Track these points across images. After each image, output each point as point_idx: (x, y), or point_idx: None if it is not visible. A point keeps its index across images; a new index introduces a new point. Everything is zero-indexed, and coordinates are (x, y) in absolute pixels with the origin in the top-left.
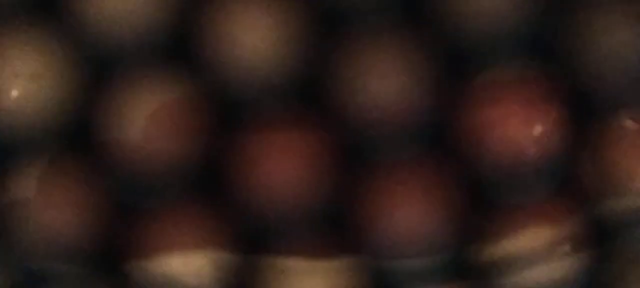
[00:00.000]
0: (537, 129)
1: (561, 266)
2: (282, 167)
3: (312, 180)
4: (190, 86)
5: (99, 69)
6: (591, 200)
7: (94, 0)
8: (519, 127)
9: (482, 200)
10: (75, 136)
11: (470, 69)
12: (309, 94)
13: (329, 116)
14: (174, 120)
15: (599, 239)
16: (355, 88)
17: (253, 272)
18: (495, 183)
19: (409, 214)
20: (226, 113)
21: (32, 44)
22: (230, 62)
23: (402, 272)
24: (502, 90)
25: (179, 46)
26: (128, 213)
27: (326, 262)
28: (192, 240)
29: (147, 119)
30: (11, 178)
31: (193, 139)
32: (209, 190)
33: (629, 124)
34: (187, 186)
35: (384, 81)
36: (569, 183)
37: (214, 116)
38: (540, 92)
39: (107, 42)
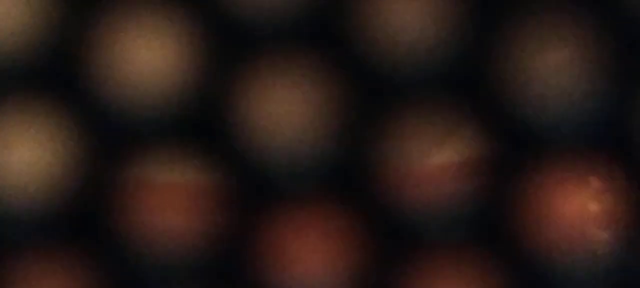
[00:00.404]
0: (459, 167)
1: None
2: (166, 216)
3: (200, 228)
4: (69, 117)
5: None
6: (522, 247)
7: None
8: (440, 165)
9: (401, 242)
10: None
11: (386, 99)
12: (202, 126)
13: (223, 154)
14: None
15: None
16: (259, 117)
17: None
18: (415, 225)
19: (312, 258)
20: (109, 147)
21: None
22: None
23: None
24: (420, 124)
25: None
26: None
27: None
28: None
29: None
30: None
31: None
32: (86, 237)
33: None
34: (61, 232)
35: (289, 109)
36: (498, 229)
37: (94, 151)
38: (461, 125)
39: None
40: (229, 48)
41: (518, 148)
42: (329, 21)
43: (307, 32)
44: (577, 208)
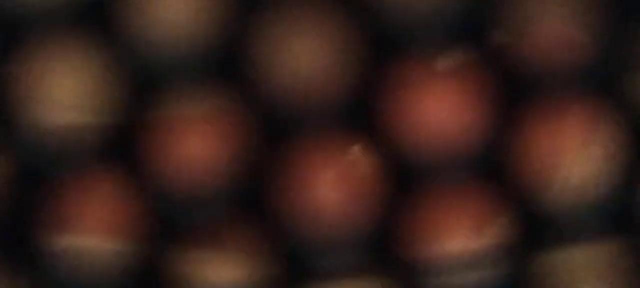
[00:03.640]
0: (464, 116)
1: (490, 269)
2: (193, 151)
3: (226, 161)
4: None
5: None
6: (521, 196)
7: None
8: (447, 114)
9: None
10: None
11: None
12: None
13: (246, 91)
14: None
15: (532, 241)
16: (275, 62)
17: (164, 263)
18: (421, 169)
19: (328, 197)
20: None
21: None
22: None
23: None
24: (430, 76)
25: None
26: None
27: (237, 252)
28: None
29: None
30: None
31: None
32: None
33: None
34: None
35: (306, 56)
36: (498, 180)
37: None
38: (469, 79)
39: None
40: None
41: None
42: None
43: None
44: None
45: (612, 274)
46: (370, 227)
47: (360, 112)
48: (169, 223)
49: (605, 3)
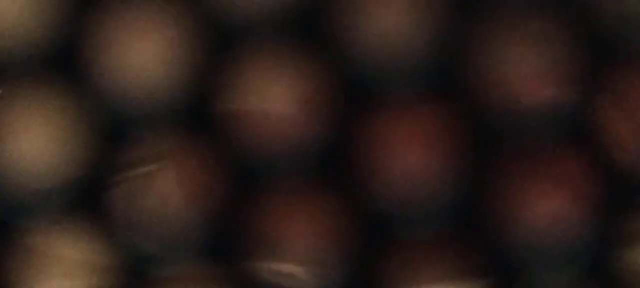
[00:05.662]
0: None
1: None
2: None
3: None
4: None
5: None
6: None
7: None
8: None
9: None
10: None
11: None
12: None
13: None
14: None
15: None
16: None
17: None
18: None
19: (412, 158)
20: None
21: None
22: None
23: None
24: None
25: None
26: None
27: None
28: None
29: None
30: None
31: None
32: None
33: None
34: None
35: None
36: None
37: None
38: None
39: None
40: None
41: None
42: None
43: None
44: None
45: None
46: (456, 193)
47: (450, 75)
48: None
49: None
